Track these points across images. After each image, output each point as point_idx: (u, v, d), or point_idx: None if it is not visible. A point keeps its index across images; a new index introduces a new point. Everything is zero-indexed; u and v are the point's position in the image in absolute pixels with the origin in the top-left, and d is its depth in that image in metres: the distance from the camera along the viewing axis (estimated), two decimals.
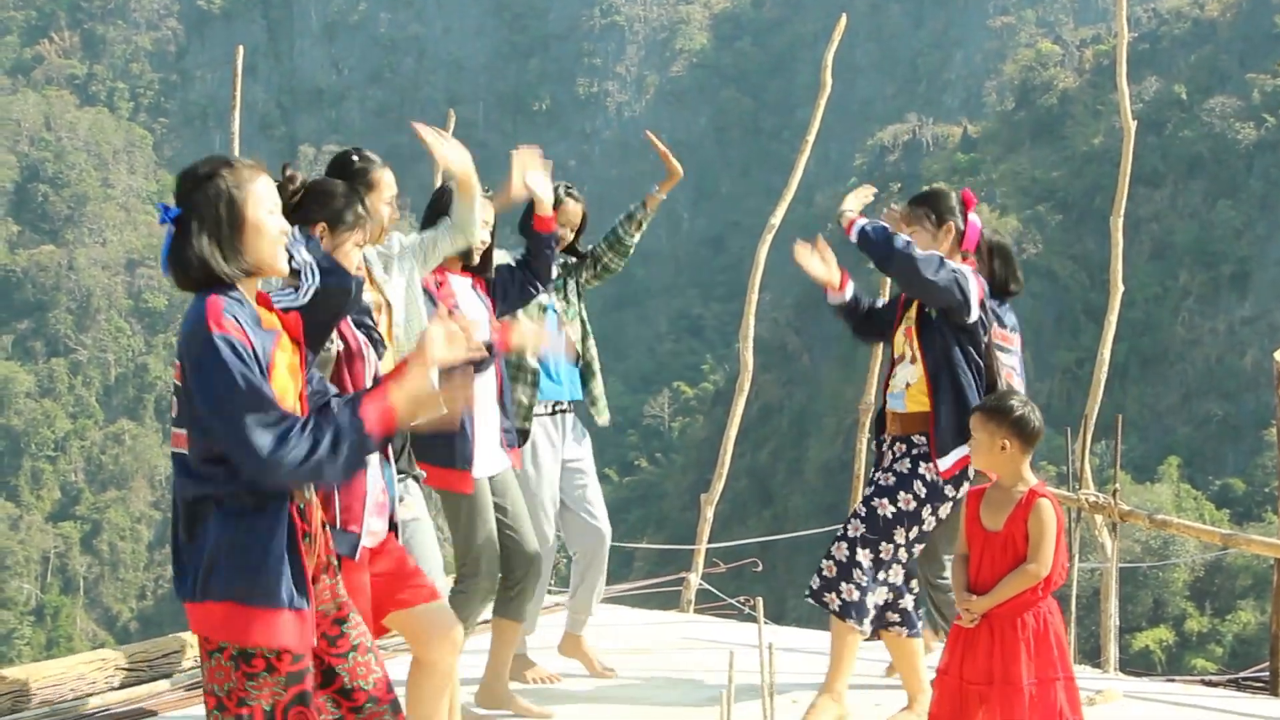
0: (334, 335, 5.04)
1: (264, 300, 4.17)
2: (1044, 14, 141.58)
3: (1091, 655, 10.57)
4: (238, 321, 3.94)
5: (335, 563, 4.33)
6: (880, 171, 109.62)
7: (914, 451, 6.60)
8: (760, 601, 6.74)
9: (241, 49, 10.80)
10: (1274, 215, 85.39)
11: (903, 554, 6.64)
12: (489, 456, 6.57)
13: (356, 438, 3.89)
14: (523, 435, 7.20)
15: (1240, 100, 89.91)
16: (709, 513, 10.91)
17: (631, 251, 7.89)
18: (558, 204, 7.26)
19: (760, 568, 11.98)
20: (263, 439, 3.81)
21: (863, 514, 6.66)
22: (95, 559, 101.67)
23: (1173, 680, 8.71)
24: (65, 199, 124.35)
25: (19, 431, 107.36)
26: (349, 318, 5.16)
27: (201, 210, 4.05)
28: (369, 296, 5.77)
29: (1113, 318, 9.67)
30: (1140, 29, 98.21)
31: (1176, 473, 71.14)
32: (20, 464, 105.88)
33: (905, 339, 6.78)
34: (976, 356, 6.64)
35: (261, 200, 4.13)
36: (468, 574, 6.51)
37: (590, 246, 7.80)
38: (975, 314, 6.59)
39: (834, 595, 6.77)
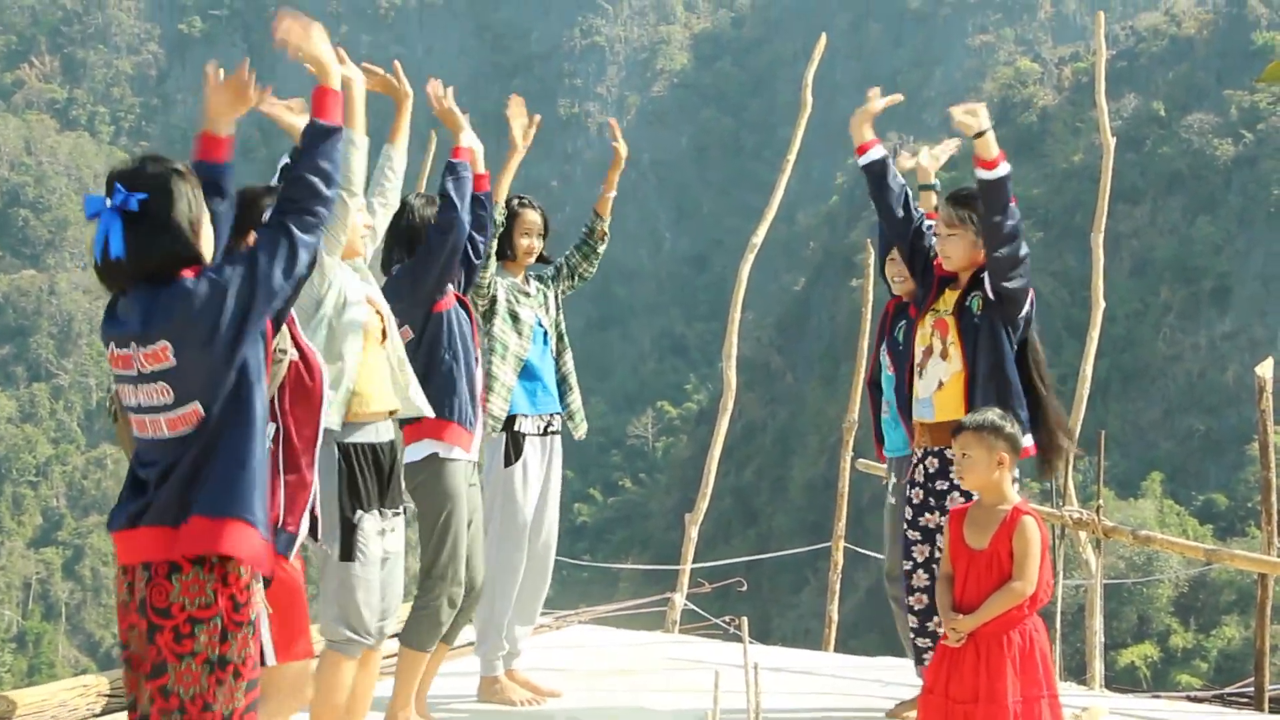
0: (289, 342, 4.99)
1: None
2: (1022, 32, 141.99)
3: (1077, 672, 10.58)
4: None
5: None
6: (862, 189, 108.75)
7: (950, 467, 6.20)
8: (745, 621, 6.74)
9: (222, 72, 10.80)
10: (1253, 230, 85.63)
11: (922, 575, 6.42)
12: (477, 438, 6.64)
13: (326, 140, 4.43)
14: (515, 451, 7.22)
15: (1218, 117, 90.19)
16: (693, 532, 10.91)
17: (600, 256, 7.93)
18: (515, 216, 7.45)
19: (745, 587, 11.98)
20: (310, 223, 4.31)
21: (917, 537, 6.44)
22: (77, 585, 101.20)
23: (1158, 697, 8.72)
24: (46, 223, 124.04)
25: (0, 457, 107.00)
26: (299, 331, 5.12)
27: (177, 201, 4.18)
28: (365, 309, 5.79)
29: (1094, 334, 9.70)
30: (1118, 46, 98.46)
31: (1159, 488, 71.18)
32: (1, 490, 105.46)
33: (936, 332, 6.48)
34: (1017, 356, 6.40)
35: (205, 203, 4.25)
36: (433, 584, 6.49)
37: (562, 257, 7.83)
38: (1028, 308, 6.44)
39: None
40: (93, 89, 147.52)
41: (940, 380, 6.39)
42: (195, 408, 4.13)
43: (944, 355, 6.40)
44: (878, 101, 6.88)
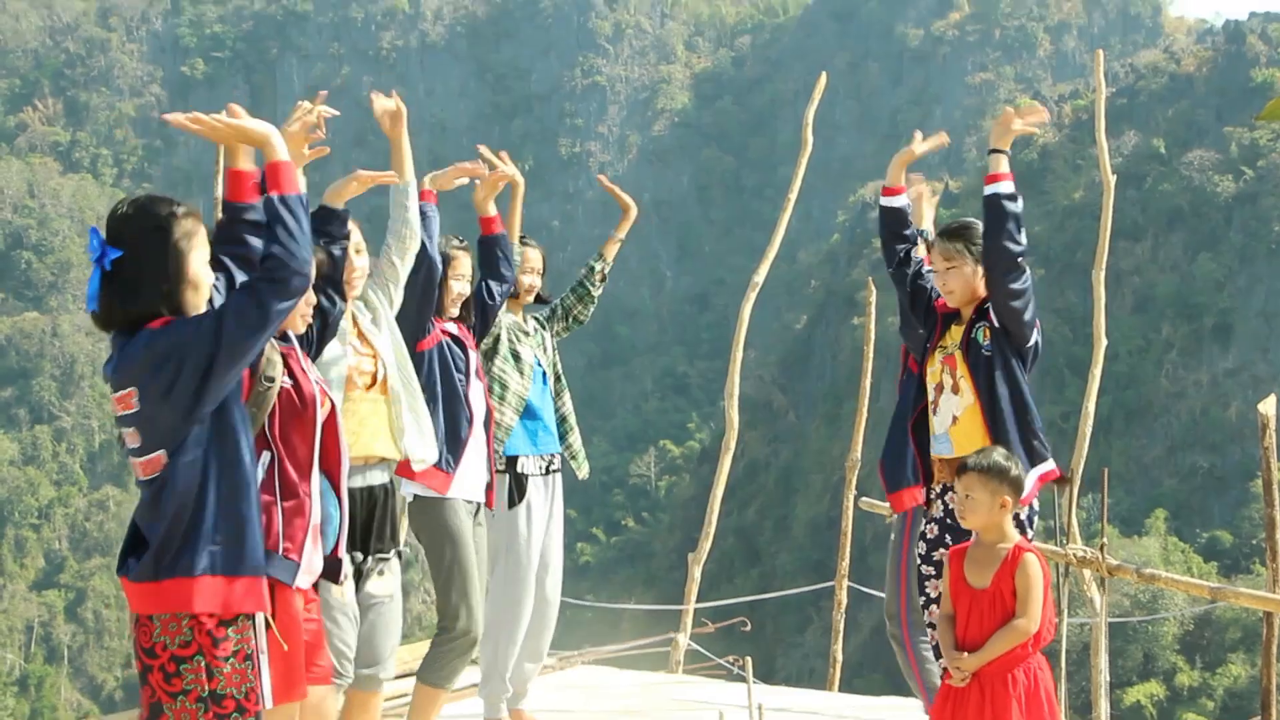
0: (279, 369, 4.99)
1: None
2: (1022, 70, 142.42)
3: (1083, 711, 10.53)
4: None
5: None
6: (863, 228, 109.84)
7: None
8: (749, 661, 6.71)
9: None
10: (1254, 267, 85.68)
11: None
12: (473, 479, 6.61)
13: (289, 210, 4.36)
14: (519, 492, 7.20)
15: (1218, 154, 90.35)
16: (696, 572, 10.88)
17: (596, 300, 7.93)
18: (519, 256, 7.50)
19: (749, 627, 11.92)
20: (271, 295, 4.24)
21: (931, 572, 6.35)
22: (80, 627, 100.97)
23: None
24: (49, 265, 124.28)
25: (2, 500, 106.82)
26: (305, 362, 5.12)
27: (151, 258, 4.22)
28: (357, 358, 5.79)
29: (1096, 371, 9.68)
30: (1118, 84, 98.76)
31: (1163, 525, 71.08)
32: (3, 532, 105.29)
33: (945, 368, 6.41)
34: (1026, 383, 6.36)
35: (202, 253, 4.29)
36: (448, 626, 6.47)
37: (558, 299, 7.83)
38: (1036, 336, 6.41)
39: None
40: (96, 131, 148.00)
41: (954, 415, 6.33)
42: (160, 455, 4.19)
43: (955, 390, 6.34)
44: (920, 145, 6.87)
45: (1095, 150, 10.59)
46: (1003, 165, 6.32)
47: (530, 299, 7.57)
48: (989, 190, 6.31)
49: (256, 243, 4.45)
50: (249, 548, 4.24)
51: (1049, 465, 6.26)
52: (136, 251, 4.19)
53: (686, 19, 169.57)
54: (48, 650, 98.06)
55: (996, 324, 6.28)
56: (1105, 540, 8.81)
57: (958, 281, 6.37)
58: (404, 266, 6.24)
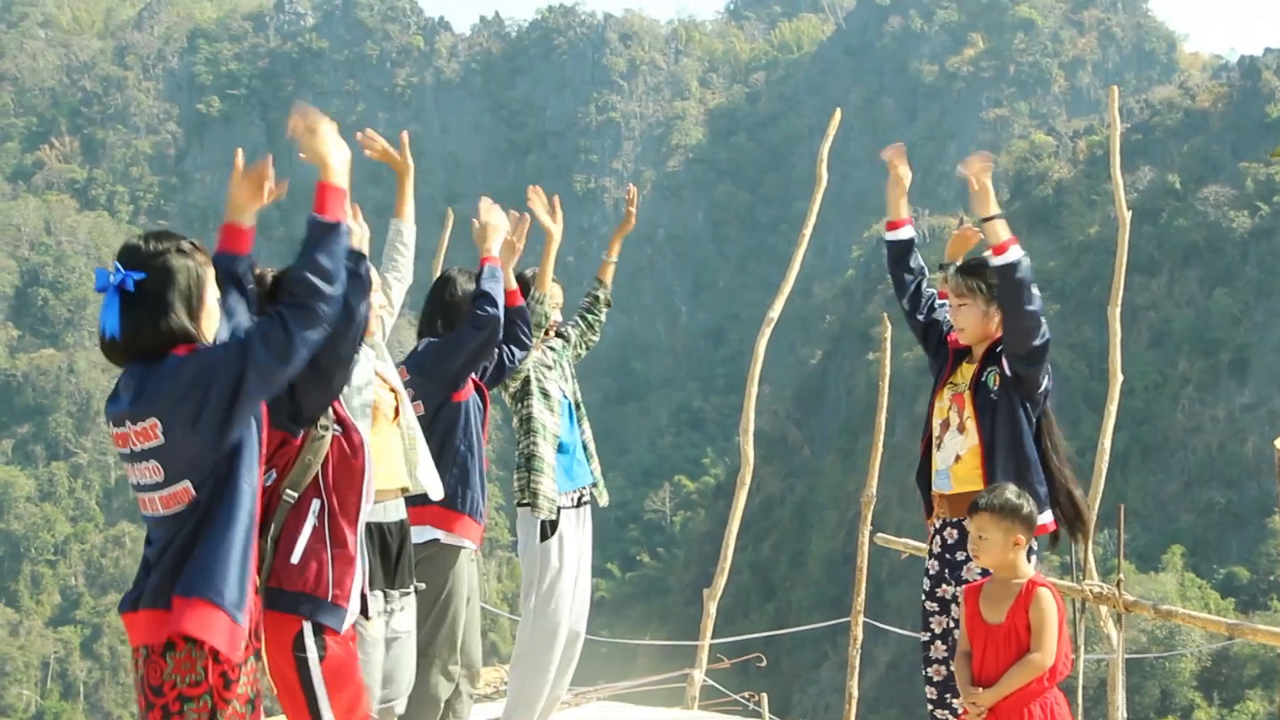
0: (331, 418, 4.98)
1: None
2: (1036, 106, 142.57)
3: None
4: None
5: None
6: (878, 263, 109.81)
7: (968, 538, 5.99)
8: (765, 697, 6.71)
9: (241, 151, 10.80)
10: (1271, 302, 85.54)
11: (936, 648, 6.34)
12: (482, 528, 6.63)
13: (326, 236, 4.40)
14: (551, 525, 7.20)
15: (1234, 189, 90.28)
16: (711, 608, 10.86)
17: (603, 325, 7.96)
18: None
19: (764, 663, 11.90)
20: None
21: (935, 608, 6.38)
22: (96, 663, 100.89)
23: None
24: (65, 302, 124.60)
25: (19, 536, 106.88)
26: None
27: (176, 280, 4.20)
28: (374, 390, 5.79)
29: (1112, 407, 9.66)
30: (1132, 119, 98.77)
31: (1180, 561, 70.80)
32: (20, 568, 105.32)
33: (954, 406, 6.40)
34: (1034, 430, 6.31)
35: (213, 286, 4.29)
36: (429, 663, 6.45)
37: (567, 327, 7.84)
38: (1046, 382, 6.37)
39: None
40: (112, 169, 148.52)
41: (957, 454, 6.34)
42: (186, 486, 4.15)
43: (961, 429, 6.34)
44: (896, 164, 6.86)
45: (1110, 186, 10.59)
46: (1001, 232, 6.25)
47: (552, 335, 7.58)
48: (998, 262, 6.24)
49: (232, 298, 4.43)
50: (238, 592, 4.17)
51: (1045, 518, 6.22)
52: (162, 272, 4.18)
53: (701, 55, 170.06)
54: (64, 686, 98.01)
55: (1009, 372, 6.26)
56: (1122, 576, 8.79)
57: (969, 318, 6.37)
58: (397, 303, 6.26)
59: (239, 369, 4.10)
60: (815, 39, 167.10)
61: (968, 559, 6.20)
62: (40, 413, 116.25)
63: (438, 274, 11.32)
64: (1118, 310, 9.82)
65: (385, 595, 5.72)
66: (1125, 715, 8.97)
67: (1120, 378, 9.75)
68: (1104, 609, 9.08)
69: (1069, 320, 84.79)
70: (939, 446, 6.45)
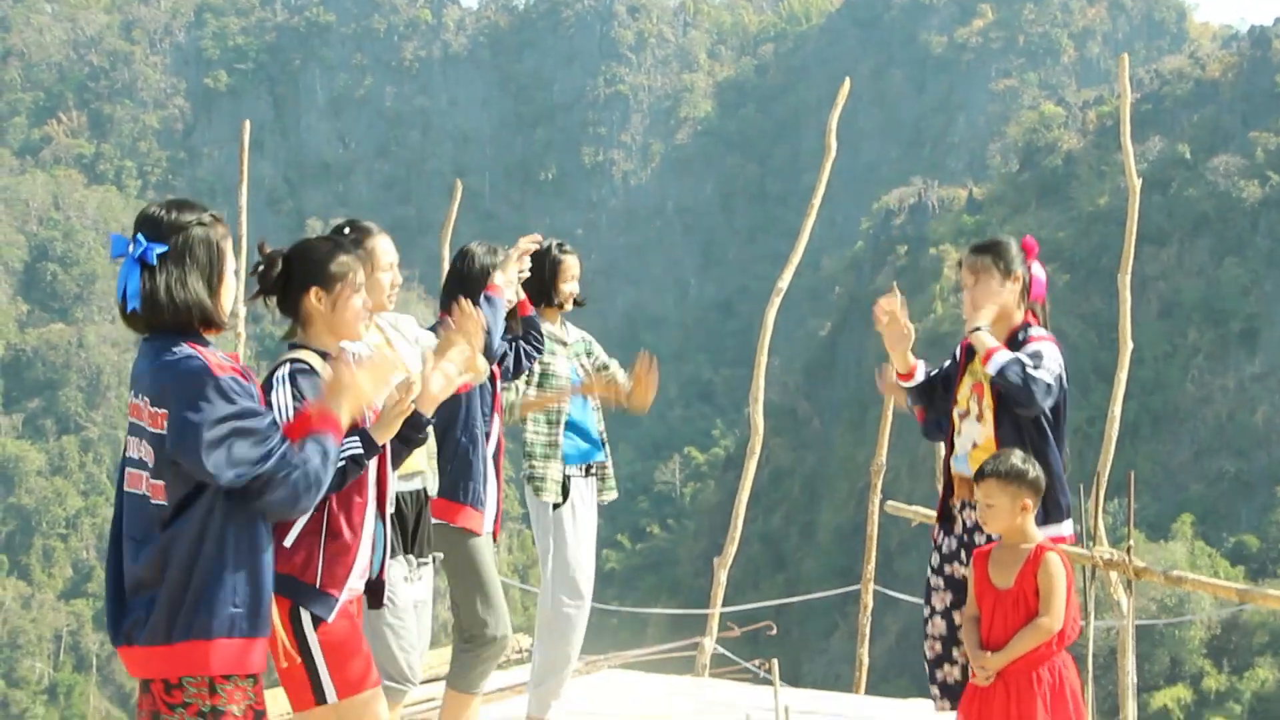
0: None
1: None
2: (1046, 76, 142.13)
3: (1110, 715, 10.54)
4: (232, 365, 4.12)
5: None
6: (886, 235, 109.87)
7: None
8: (776, 664, 6.73)
9: (248, 124, 10.79)
10: None
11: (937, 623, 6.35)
12: (491, 512, 6.62)
13: (323, 449, 4.18)
14: (564, 493, 7.22)
15: (1244, 159, 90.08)
16: (722, 576, 10.90)
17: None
18: (559, 263, 7.45)
19: (774, 631, 11.92)
20: (256, 454, 4.03)
21: (940, 584, 6.38)
22: (108, 636, 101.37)
23: None
24: (74, 277, 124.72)
25: (30, 510, 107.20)
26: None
27: (195, 254, 4.17)
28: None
29: (1122, 374, 9.66)
30: (1142, 89, 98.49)
31: (1190, 530, 70.85)
32: (32, 542, 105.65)
33: (973, 395, 6.39)
34: (1052, 419, 6.31)
35: (230, 258, 4.26)
36: (474, 634, 6.47)
37: (598, 356, 7.82)
38: (1058, 396, 6.28)
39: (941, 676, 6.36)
40: (120, 143, 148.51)
41: (975, 441, 6.33)
42: (163, 484, 4.12)
43: (979, 418, 6.33)
44: (888, 321, 6.74)
45: (1120, 156, 10.58)
46: (985, 341, 6.25)
47: (569, 307, 7.57)
48: (988, 370, 6.21)
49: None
50: (265, 607, 4.18)
51: (1064, 528, 6.21)
52: (183, 245, 4.14)
53: (709, 27, 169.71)
54: (76, 659, 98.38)
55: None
56: (1132, 542, 8.81)
57: (985, 294, 6.32)
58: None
59: (195, 463, 4.02)
60: (823, 10, 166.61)
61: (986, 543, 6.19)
62: (50, 387, 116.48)
63: (445, 245, 11.39)
64: (1128, 278, 9.82)
65: (407, 562, 5.76)
66: (1135, 680, 9.01)
67: (1130, 345, 9.75)
68: (1114, 576, 9.11)
69: (1078, 291, 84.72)
70: (958, 434, 6.44)
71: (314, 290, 4.86)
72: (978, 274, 6.40)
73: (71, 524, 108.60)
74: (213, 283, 4.19)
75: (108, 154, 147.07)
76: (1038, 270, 6.52)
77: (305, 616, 4.81)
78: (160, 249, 4.12)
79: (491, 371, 6.71)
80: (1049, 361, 6.18)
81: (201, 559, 4.10)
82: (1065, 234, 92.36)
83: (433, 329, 6.54)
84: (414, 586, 5.83)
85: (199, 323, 4.17)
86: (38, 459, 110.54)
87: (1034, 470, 5.52)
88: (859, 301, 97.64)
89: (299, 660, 4.80)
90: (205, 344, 4.16)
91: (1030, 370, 6.08)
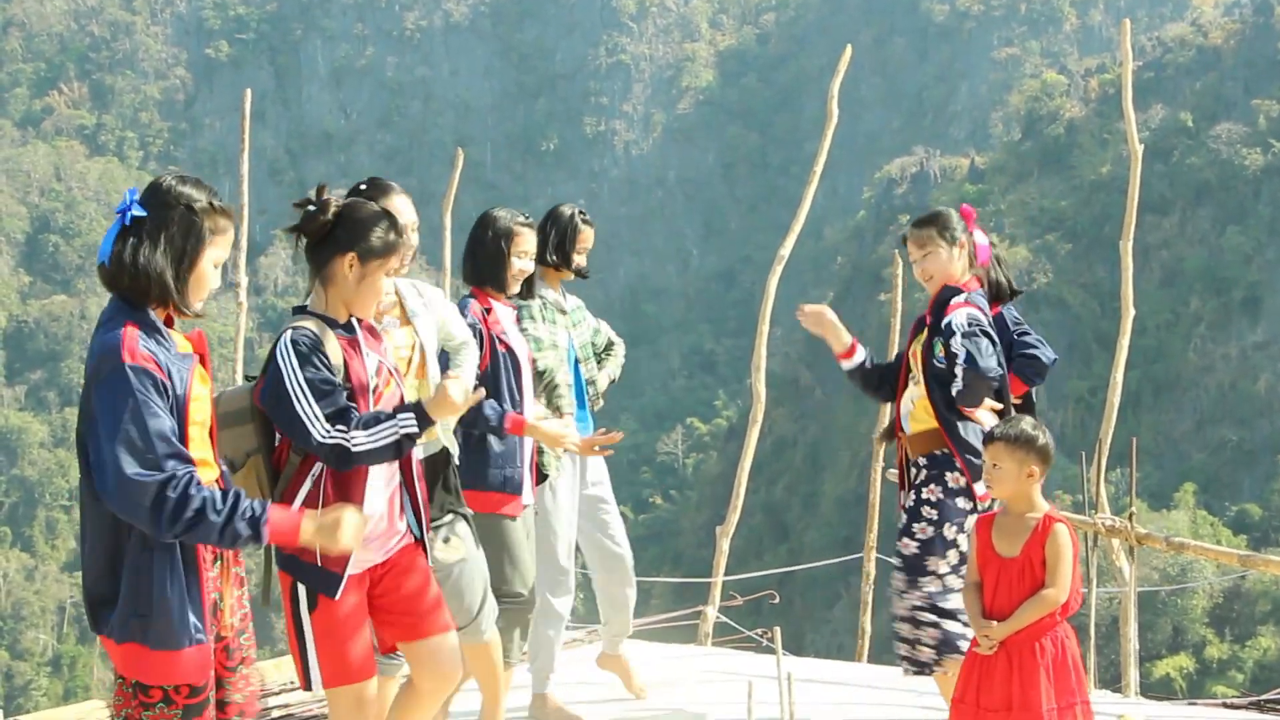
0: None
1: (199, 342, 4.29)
2: (1048, 45, 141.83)
3: (1112, 683, 10.54)
4: (151, 352, 4.04)
5: (244, 575, 4.48)
6: (889, 204, 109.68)
7: (922, 475, 6.40)
8: (778, 633, 6.74)
9: (249, 95, 10.76)
10: None
11: (952, 580, 6.36)
12: (529, 485, 6.62)
13: (245, 524, 4.07)
14: (541, 475, 7.14)
15: (1246, 127, 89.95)
16: (724, 545, 10.91)
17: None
18: (578, 231, 7.41)
19: (777, 600, 11.94)
20: (130, 468, 3.92)
21: (899, 561, 6.48)
22: None
23: (1194, 704, 8.68)
24: (76, 249, 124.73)
25: (33, 482, 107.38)
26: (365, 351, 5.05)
27: (170, 230, 4.16)
28: (403, 333, 5.76)
29: (1124, 343, 9.66)
30: (1145, 57, 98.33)
31: (1192, 499, 70.92)
32: (35, 514, 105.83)
33: (914, 359, 6.54)
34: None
35: (218, 254, 4.24)
36: (502, 591, 6.46)
37: (598, 339, 7.86)
38: (999, 370, 6.37)
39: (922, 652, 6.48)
40: (121, 114, 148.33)
41: (913, 401, 6.49)
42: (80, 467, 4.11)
43: (916, 382, 6.49)
44: (815, 324, 6.99)
45: (1122, 124, 10.56)
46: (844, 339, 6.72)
47: (572, 277, 7.51)
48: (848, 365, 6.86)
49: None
50: (169, 617, 4.12)
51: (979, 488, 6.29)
52: (159, 220, 4.14)
53: None
54: (80, 630, 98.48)
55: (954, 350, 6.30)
56: (1134, 510, 8.82)
57: (935, 265, 6.46)
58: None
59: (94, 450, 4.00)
60: None
61: (921, 500, 6.39)
62: (53, 359, 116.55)
63: (447, 215, 11.37)
64: (1129, 244, 9.82)
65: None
66: (1137, 648, 9.02)
67: (1132, 312, 9.75)
68: (1116, 543, 9.12)
69: (1080, 259, 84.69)
70: (903, 396, 6.61)
71: (350, 256, 4.84)
72: (924, 246, 6.54)
73: (74, 496, 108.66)
74: (182, 264, 4.16)
75: (109, 125, 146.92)
76: (979, 237, 6.65)
77: (303, 597, 4.80)
78: (140, 213, 4.13)
79: (514, 349, 6.64)
80: (989, 349, 6.26)
81: (104, 555, 4.13)
82: (1067, 203, 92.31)
83: (462, 305, 6.52)
84: (447, 548, 5.81)
85: (155, 299, 4.14)
86: (40, 431, 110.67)
87: (1043, 438, 5.52)
88: (861, 271, 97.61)
89: (294, 641, 4.83)
90: (148, 323, 4.11)
91: (983, 381, 6.22)
